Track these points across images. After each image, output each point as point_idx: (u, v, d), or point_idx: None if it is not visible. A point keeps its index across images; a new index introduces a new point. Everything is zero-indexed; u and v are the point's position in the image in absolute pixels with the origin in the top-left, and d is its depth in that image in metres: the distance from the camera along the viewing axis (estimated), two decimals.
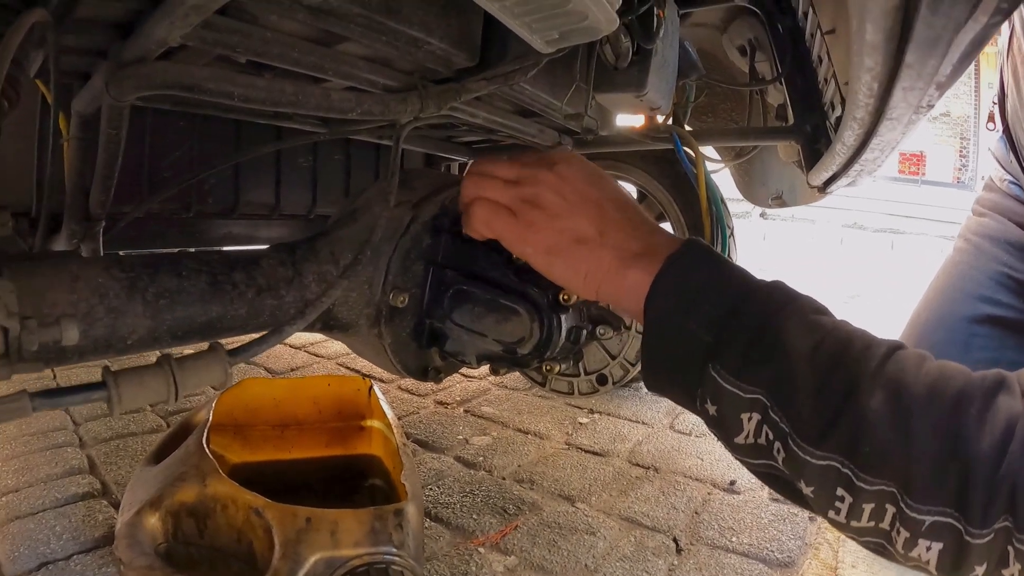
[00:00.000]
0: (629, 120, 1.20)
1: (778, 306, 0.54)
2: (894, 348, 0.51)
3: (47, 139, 0.86)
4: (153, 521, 0.78)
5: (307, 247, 0.81)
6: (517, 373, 1.89)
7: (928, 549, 0.46)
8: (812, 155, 1.06)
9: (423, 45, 0.68)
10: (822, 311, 0.55)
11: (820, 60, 1.00)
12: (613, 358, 0.85)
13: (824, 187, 1.09)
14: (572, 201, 0.65)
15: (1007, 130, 1.22)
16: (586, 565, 0.99)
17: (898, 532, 0.47)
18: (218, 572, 0.77)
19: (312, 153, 1.39)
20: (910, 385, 0.48)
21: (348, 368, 2.07)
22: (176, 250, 0.78)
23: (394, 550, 0.72)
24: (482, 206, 0.69)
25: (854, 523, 0.48)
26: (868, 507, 0.47)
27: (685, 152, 1.14)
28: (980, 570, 0.45)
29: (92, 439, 1.38)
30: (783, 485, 0.54)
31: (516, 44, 0.75)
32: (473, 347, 0.83)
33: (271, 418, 1.12)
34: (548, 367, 0.81)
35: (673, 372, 0.58)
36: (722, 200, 1.56)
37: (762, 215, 11.26)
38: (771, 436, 0.51)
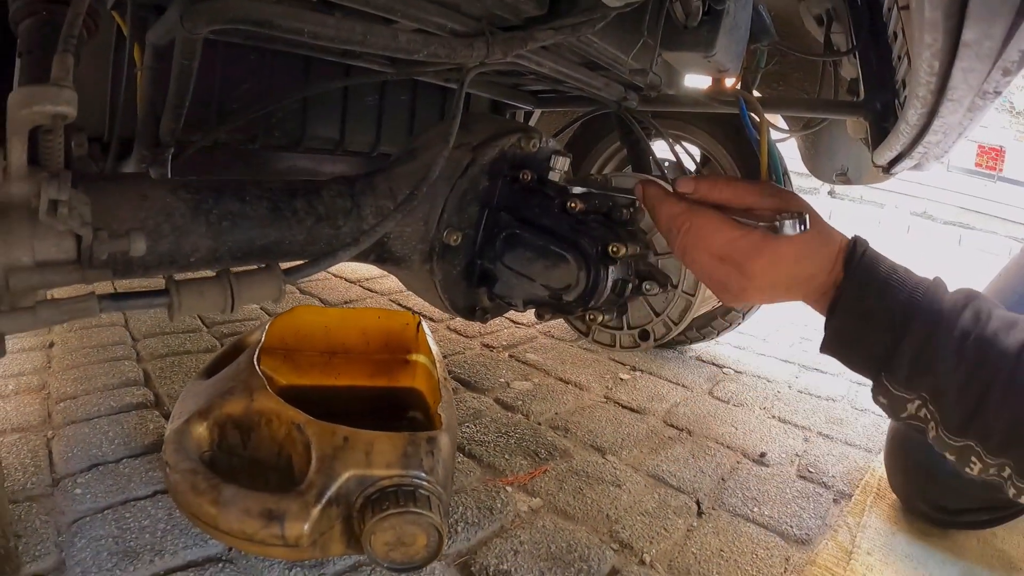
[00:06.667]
0: (697, 81, 1.19)
1: (934, 325, 0.66)
2: None
3: (122, 69, 0.89)
4: (200, 430, 0.82)
5: (366, 181, 0.83)
6: (564, 324, 1.91)
7: None
8: (879, 133, 1.04)
9: None
10: (968, 313, 0.67)
11: (895, 36, 0.97)
12: (657, 315, 0.86)
13: (889, 167, 1.06)
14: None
15: None
16: (608, 515, 1.01)
17: (1010, 485, 0.64)
18: (257, 482, 0.80)
19: (379, 92, 1.41)
20: None
21: (400, 304, 2.11)
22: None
23: (423, 475, 0.75)
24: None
25: (979, 476, 0.66)
26: (992, 469, 0.64)
27: (750, 118, 1.13)
28: None
29: (149, 355, 1.45)
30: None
31: None
32: (521, 290, 0.86)
33: (320, 345, 1.15)
34: (591, 316, 0.82)
35: (853, 369, 0.74)
36: (784, 171, 1.53)
37: (830, 193, 10.95)
38: (927, 417, 0.67)
